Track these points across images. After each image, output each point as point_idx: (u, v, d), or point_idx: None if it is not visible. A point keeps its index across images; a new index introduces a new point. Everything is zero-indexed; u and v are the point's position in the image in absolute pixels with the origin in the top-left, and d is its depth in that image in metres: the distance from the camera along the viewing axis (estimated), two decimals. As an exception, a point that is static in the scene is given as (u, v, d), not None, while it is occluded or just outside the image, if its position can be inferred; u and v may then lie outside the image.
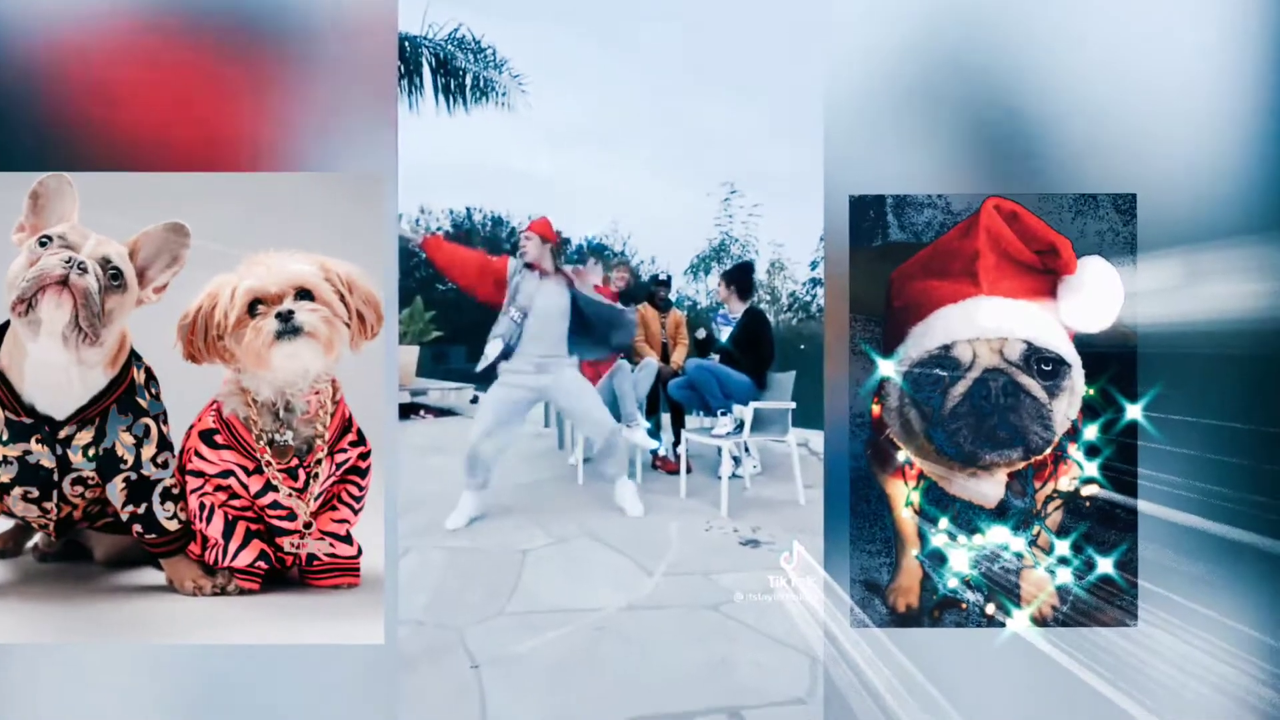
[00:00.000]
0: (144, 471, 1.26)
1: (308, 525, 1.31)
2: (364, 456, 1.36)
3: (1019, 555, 1.15)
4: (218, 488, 1.30)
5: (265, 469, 1.28)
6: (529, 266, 2.86)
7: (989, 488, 1.14)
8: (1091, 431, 1.13)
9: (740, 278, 3.66)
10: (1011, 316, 1.10)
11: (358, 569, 1.36)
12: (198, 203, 1.20)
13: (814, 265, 10.47)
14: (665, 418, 4.03)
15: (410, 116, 6.55)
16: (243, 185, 1.17)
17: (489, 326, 2.90)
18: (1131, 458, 1.12)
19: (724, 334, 3.68)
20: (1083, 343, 1.12)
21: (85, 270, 1.12)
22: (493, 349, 2.82)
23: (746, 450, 3.48)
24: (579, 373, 2.95)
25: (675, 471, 3.54)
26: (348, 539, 1.35)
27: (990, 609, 1.15)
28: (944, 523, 1.16)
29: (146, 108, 1.15)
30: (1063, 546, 1.14)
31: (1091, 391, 1.12)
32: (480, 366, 2.85)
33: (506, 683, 1.50)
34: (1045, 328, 1.10)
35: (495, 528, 2.67)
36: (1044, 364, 1.09)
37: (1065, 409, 1.10)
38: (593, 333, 2.92)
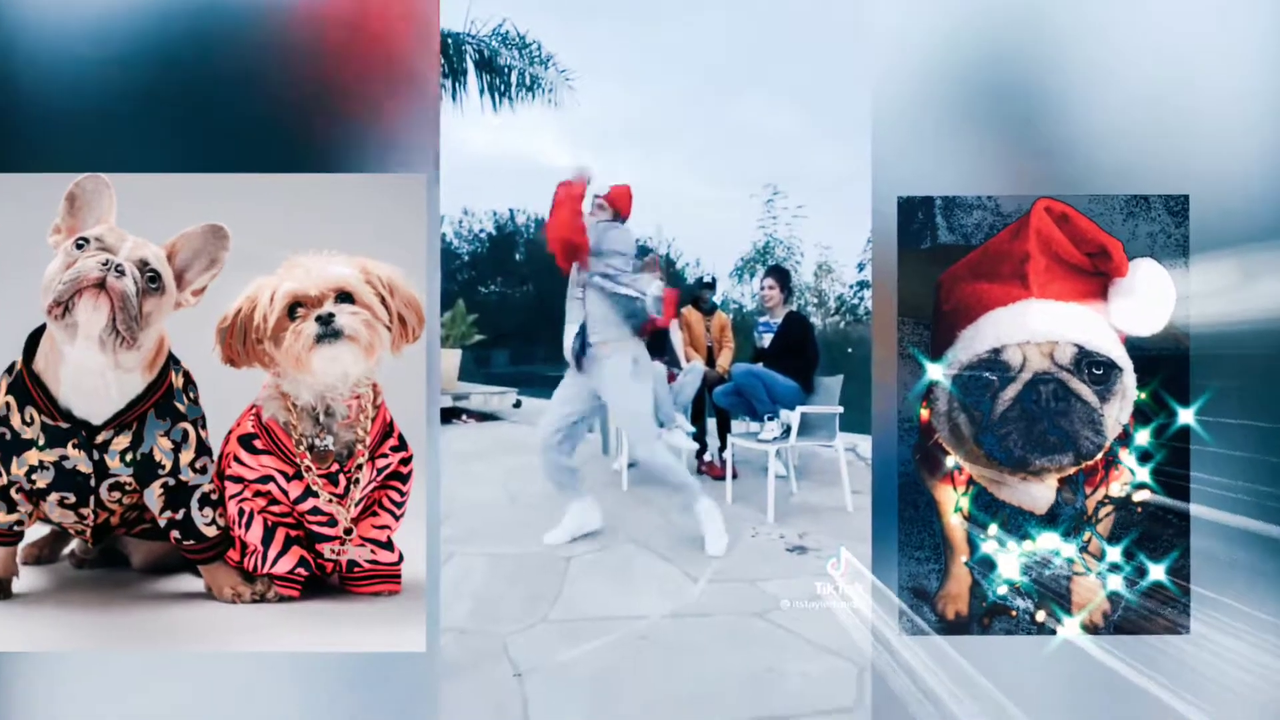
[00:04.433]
0: (182, 477, 1.25)
1: (348, 531, 1.30)
2: (405, 462, 1.34)
3: (1070, 561, 1.13)
4: (257, 493, 1.29)
5: (305, 474, 1.26)
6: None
7: (1039, 493, 1.13)
8: (1143, 436, 1.11)
9: (782, 278, 3.62)
10: (1062, 320, 1.09)
11: (399, 576, 1.34)
12: (237, 204, 1.19)
13: (861, 268, 10.27)
14: (711, 422, 3.95)
15: (455, 114, 6.40)
16: (283, 186, 1.16)
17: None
18: (1184, 462, 1.11)
19: (765, 340, 3.61)
20: (1134, 346, 1.11)
21: (123, 273, 1.11)
22: (570, 333, 2.53)
23: (781, 459, 3.42)
24: (626, 363, 2.49)
25: (721, 477, 3.49)
26: (389, 545, 1.33)
27: (1040, 616, 1.14)
28: (993, 529, 1.15)
29: (188, 108, 1.14)
30: (1114, 553, 1.12)
31: (1143, 395, 1.11)
32: (568, 355, 2.55)
33: (549, 692, 1.49)
34: (1096, 331, 1.09)
35: (538, 534, 2.61)
36: (1095, 368, 1.08)
37: (1116, 413, 1.09)
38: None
